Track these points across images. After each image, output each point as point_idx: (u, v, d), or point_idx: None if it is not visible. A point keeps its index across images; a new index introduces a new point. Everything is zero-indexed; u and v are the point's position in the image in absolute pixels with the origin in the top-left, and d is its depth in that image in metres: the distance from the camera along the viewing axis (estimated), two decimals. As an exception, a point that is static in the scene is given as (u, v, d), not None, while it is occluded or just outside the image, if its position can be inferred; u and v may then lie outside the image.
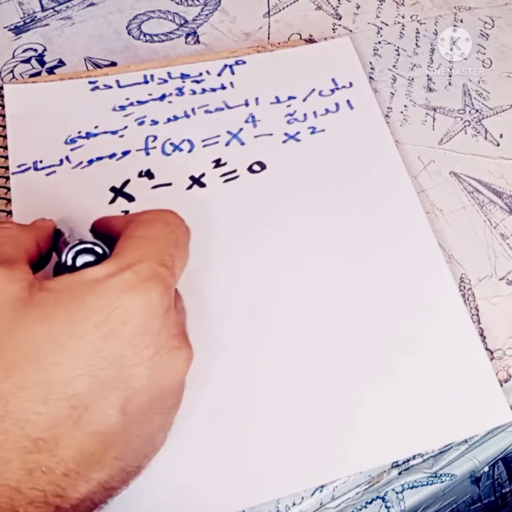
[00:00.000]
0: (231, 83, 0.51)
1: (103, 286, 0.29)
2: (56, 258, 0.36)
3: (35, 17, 0.56)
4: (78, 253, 0.32)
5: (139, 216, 0.35)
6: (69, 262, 0.32)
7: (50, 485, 0.27)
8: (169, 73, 0.51)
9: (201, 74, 0.51)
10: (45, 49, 0.54)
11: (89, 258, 0.32)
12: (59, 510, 0.27)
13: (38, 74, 0.52)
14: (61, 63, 0.53)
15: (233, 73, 0.52)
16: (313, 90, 0.51)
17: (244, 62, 0.52)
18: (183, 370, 0.32)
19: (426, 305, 0.43)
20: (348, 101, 0.51)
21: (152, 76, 0.51)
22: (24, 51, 0.54)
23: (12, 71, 0.52)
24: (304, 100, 0.51)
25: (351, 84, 0.52)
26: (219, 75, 0.51)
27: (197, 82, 0.51)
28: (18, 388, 0.27)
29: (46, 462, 0.27)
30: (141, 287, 0.30)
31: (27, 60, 0.53)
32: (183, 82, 0.51)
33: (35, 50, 0.54)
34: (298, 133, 0.49)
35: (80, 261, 0.32)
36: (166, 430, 0.33)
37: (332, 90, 0.51)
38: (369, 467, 0.39)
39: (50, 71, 0.53)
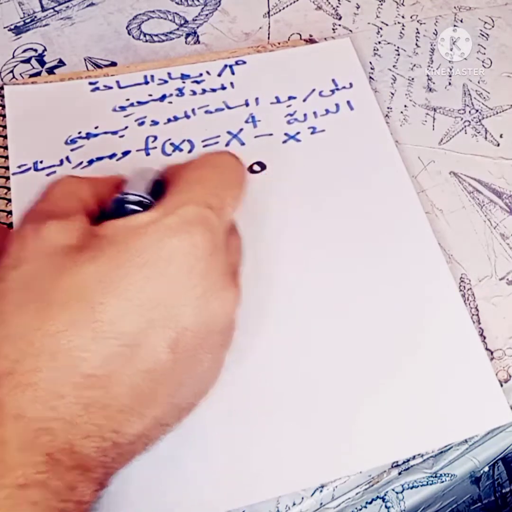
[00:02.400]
0: (231, 83, 0.51)
1: (147, 230, 0.30)
2: None
3: (35, 17, 0.56)
4: (124, 203, 0.33)
5: (191, 162, 0.35)
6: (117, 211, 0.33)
7: (106, 420, 0.28)
8: (169, 74, 0.51)
9: (201, 74, 0.51)
10: (45, 49, 0.54)
11: (137, 208, 0.33)
12: (116, 445, 0.29)
13: (38, 74, 0.52)
14: (61, 63, 0.53)
15: (233, 73, 0.52)
16: (313, 90, 0.51)
17: (244, 62, 0.52)
18: (230, 310, 0.32)
19: (426, 305, 0.43)
20: (348, 102, 0.51)
21: (152, 76, 0.51)
22: (24, 51, 0.54)
23: (12, 71, 0.52)
24: (304, 100, 0.51)
25: (351, 84, 0.52)
26: (219, 75, 0.51)
27: (197, 82, 0.51)
28: (68, 326, 0.28)
29: (101, 398, 0.28)
30: (184, 230, 0.30)
31: (27, 60, 0.53)
32: (183, 82, 0.51)
33: (35, 50, 0.54)
34: (298, 133, 0.49)
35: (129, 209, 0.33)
36: (217, 369, 0.33)
37: (332, 91, 0.51)
38: (369, 467, 0.39)
39: (50, 71, 0.52)
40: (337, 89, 0.51)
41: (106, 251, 0.30)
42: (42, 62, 0.53)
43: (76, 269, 0.29)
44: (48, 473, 0.26)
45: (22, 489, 0.26)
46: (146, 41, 0.55)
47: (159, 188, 0.34)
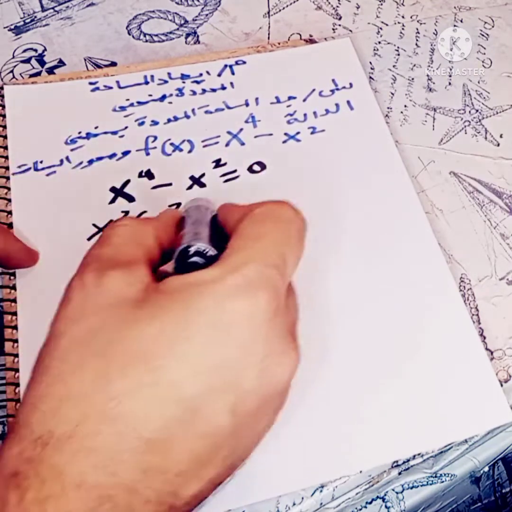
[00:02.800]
0: (231, 83, 0.51)
1: (211, 290, 0.29)
2: None
3: (35, 17, 0.56)
4: (186, 256, 0.32)
5: (252, 212, 0.33)
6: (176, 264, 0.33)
7: (164, 485, 0.27)
8: (169, 74, 0.51)
9: (201, 74, 0.51)
10: (45, 49, 0.54)
11: (199, 261, 0.32)
12: (172, 507, 0.28)
13: (38, 74, 0.52)
14: (61, 63, 0.53)
15: (233, 73, 0.52)
16: (313, 90, 0.51)
17: (244, 62, 0.52)
18: (290, 374, 0.31)
19: (426, 305, 0.43)
20: (348, 102, 0.51)
21: (152, 76, 0.51)
22: (24, 51, 0.54)
23: (12, 71, 0.52)
24: (304, 100, 0.51)
25: (351, 84, 0.52)
26: (219, 75, 0.51)
27: (197, 82, 0.51)
28: (130, 388, 0.27)
29: (159, 463, 0.27)
30: (248, 292, 0.29)
31: (27, 60, 0.53)
32: (183, 82, 0.51)
33: (35, 50, 0.54)
34: (298, 133, 0.49)
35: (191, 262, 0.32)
36: (270, 425, 0.33)
37: (332, 91, 0.51)
38: (369, 467, 0.39)
39: (50, 71, 0.53)
40: (337, 89, 0.51)
41: (167, 309, 0.29)
42: (42, 62, 0.53)
43: (137, 327, 0.28)
44: None
45: None
46: (146, 41, 0.55)
47: (216, 227, 0.35)
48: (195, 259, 0.32)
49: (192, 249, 0.33)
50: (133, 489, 0.27)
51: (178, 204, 0.45)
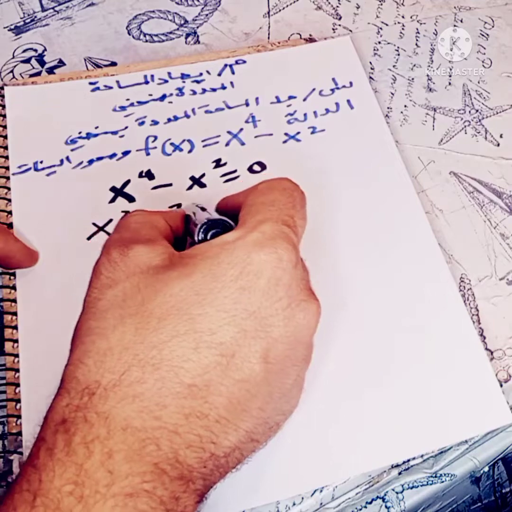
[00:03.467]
0: (231, 83, 0.51)
1: (234, 246, 0.32)
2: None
3: (35, 17, 0.56)
4: (208, 229, 0.36)
5: (256, 187, 0.37)
6: (201, 237, 0.36)
7: (205, 431, 0.29)
8: (169, 73, 0.51)
9: (201, 74, 0.51)
10: (45, 49, 0.54)
11: (218, 230, 0.36)
12: (213, 457, 0.29)
13: (38, 74, 0.52)
14: (61, 63, 0.53)
15: (233, 73, 0.52)
16: (313, 89, 0.51)
17: (244, 62, 0.52)
18: (313, 323, 0.34)
19: (426, 305, 0.43)
20: (348, 101, 0.51)
21: (152, 76, 0.51)
22: (24, 51, 0.54)
23: (12, 71, 0.52)
24: (304, 100, 0.51)
25: (351, 83, 0.52)
26: (219, 75, 0.51)
27: (197, 82, 0.51)
28: (169, 337, 0.29)
29: (200, 407, 0.29)
30: (268, 244, 0.32)
31: (27, 60, 0.53)
32: (183, 82, 0.51)
33: (35, 50, 0.54)
34: (298, 133, 0.49)
35: (210, 235, 0.36)
36: (300, 386, 0.34)
37: (332, 90, 0.51)
38: (368, 470, 0.39)
39: (50, 71, 0.53)
40: (337, 88, 0.51)
41: (199, 266, 0.31)
42: (42, 62, 0.53)
43: (171, 284, 0.31)
44: (154, 483, 0.27)
45: (129, 498, 0.26)
46: (146, 41, 0.55)
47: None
48: (216, 231, 0.36)
49: (213, 222, 0.36)
50: (176, 433, 0.28)
51: (179, 205, 0.45)
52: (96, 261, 0.34)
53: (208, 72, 0.52)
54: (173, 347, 0.29)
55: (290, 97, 0.51)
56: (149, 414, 0.28)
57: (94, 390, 0.28)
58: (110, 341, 0.29)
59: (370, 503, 0.42)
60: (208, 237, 0.36)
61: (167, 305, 0.30)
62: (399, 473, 0.40)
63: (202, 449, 0.29)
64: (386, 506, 0.42)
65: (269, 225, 0.33)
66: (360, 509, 0.41)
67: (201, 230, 0.36)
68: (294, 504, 0.38)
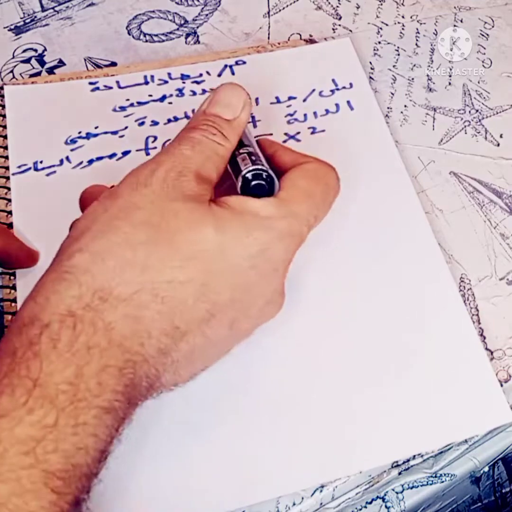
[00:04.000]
0: None
1: (265, 226, 0.33)
2: None
3: (35, 17, 0.56)
4: (252, 179, 0.35)
5: (307, 164, 0.38)
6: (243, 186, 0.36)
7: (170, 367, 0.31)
8: (169, 74, 0.51)
9: (201, 74, 0.51)
10: (45, 49, 0.54)
11: (261, 182, 0.35)
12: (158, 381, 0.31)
13: (38, 74, 0.52)
14: (61, 63, 0.53)
15: (233, 73, 0.52)
16: (313, 90, 0.51)
17: (244, 63, 0.52)
18: (272, 316, 0.37)
19: (426, 305, 0.43)
20: (348, 102, 0.51)
21: (152, 77, 0.51)
22: (24, 51, 0.54)
23: (12, 71, 0.52)
24: (304, 100, 0.51)
25: (351, 84, 0.52)
26: (219, 75, 0.51)
27: (197, 82, 0.51)
28: (184, 280, 0.31)
29: (171, 347, 0.31)
30: (288, 239, 0.34)
31: (27, 60, 0.53)
32: (183, 82, 0.51)
33: (35, 50, 0.54)
34: (298, 133, 0.49)
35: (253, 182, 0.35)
36: (233, 340, 0.36)
37: (332, 91, 0.51)
38: (369, 467, 0.39)
39: (50, 71, 0.53)
40: (337, 89, 0.51)
41: (234, 227, 0.32)
42: (42, 62, 0.53)
43: (205, 229, 0.32)
44: (121, 404, 0.29)
45: (106, 413, 0.28)
46: (146, 41, 0.55)
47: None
48: (258, 182, 0.35)
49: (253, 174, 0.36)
50: (147, 362, 0.30)
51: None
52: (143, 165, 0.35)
53: (208, 72, 0.52)
54: (182, 290, 0.31)
55: (290, 98, 0.51)
56: (138, 339, 0.29)
57: (106, 297, 0.29)
58: (136, 253, 0.30)
59: (370, 503, 0.42)
60: (251, 185, 0.36)
61: (194, 250, 0.31)
62: (399, 473, 0.40)
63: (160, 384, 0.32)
64: (386, 506, 0.42)
65: (297, 222, 0.34)
66: (360, 509, 0.41)
67: (245, 177, 0.36)
68: (294, 504, 0.38)
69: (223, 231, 0.32)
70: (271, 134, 0.49)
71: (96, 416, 0.27)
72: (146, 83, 0.51)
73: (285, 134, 0.49)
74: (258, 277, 0.34)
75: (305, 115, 0.50)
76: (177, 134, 0.36)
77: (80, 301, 0.29)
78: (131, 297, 0.29)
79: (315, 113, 0.50)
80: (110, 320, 0.29)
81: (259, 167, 0.35)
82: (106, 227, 0.31)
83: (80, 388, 0.27)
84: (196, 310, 0.31)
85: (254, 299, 0.34)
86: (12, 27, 0.55)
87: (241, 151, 0.37)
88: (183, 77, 0.51)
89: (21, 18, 0.56)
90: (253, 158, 0.36)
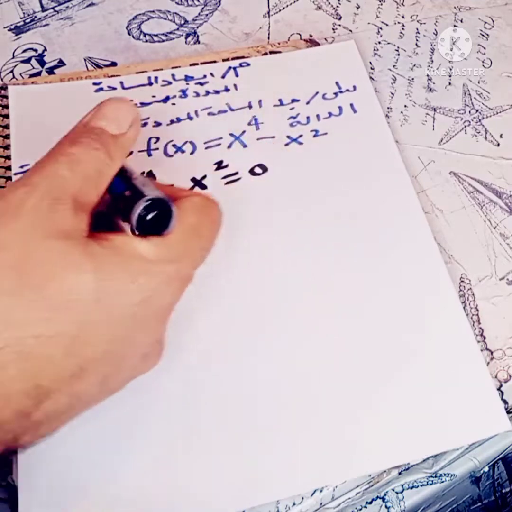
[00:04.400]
0: (235, 85, 0.51)
1: (152, 271, 0.31)
2: None
3: (35, 17, 0.56)
4: (148, 210, 0.32)
5: (193, 197, 0.35)
6: (137, 225, 0.32)
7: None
8: (173, 75, 0.51)
9: (205, 76, 0.51)
10: (45, 49, 0.54)
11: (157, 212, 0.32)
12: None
13: (38, 74, 0.52)
14: (61, 63, 0.53)
15: (237, 75, 0.52)
16: (317, 93, 0.51)
17: (248, 65, 0.52)
18: (148, 369, 0.35)
19: (424, 306, 0.43)
20: (351, 105, 0.51)
21: (156, 78, 0.51)
22: (24, 51, 0.54)
23: (12, 71, 0.52)
24: (308, 103, 0.51)
25: (354, 87, 0.52)
26: (223, 77, 0.51)
27: (201, 84, 0.51)
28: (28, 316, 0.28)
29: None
30: (176, 283, 0.32)
31: (27, 60, 0.53)
32: (187, 84, 0.51)
33: (35, 50, 0.54)
34: (300, 136, 0.49)
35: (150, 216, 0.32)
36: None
37: (336, 94, 0.51)
38: (365, 473, 0.39)
39: (50, 71, 0.52)
40: (341, 92, 0.51)
41: (116, 271, 0.30)
42: (42, 62, 0.53)
43: (77, 271, 0.29)
44: None
45: None
46: (146, 41, 0.55)
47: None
48: (152, 216, 0.32)
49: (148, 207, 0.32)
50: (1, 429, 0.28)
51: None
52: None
53: (212, 74, 0.51)
54: (48, 346, 0.28)
55: (293, 100, 0.51)
56: None
57: None
58: None
59: (370, 503, 0.42)
60: (148, 218, 0.32)
61: (67, 297, 0.28)
62: (399, 473, 0.40)
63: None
64: (386, 506, 0.42)
65: (185, 266, 0.33)
66: (360, 509, 0.41)
67: (139, 213, 0.32)
68: (294, 504, 0.38)
69: (103, 278, 0.29)
70: (274, 137, 0.49)
71: None
72: (150, 84, 0.51)
73: (288, 136, 0.49)
74: (138, 328, 0.31)
75: (308, 117, 0.50)
76: (53, 146, 0.34)
77: None
78: None
79: (318, 115, 0.50)
80: None
81: (160, 196, 0.32)
82: None
83: None
84: (64, 365, 0.28)
85: (131, 351, 0.32)
86: (12, 27, 0.55)
87: (128, 175, 0.34)
88: (187, 78, 0.51)
89: (21, 18, 0.55)
90: (144, 184, 0.33)
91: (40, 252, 0.28)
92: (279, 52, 0.54)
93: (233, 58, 0.53)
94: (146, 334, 0.32)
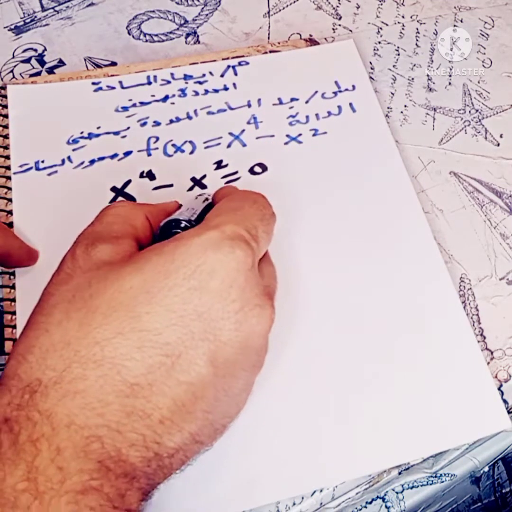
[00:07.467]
0: (234, 84, 0.51)
1: (190, 242, 0.31)
2: None
3: (35, 17, 0.56)
4: (170, 228, 0.35)
5: (231, 193, 0.38)
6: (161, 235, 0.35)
7: (148, 430, 0.29)
8: (172, 74, 0.51)
9: (204, 75, 0.51)
10: (45, 49, 0.54)
11: (178, 230, 0.35)
12: (156, 456, 0.29)
13: (38, 74, 0.52)
14: (61, 63, 0.53)
15: (236, 74, 0.52)
16: (316, 92, 0.51)
17: (247, 63, 0.52)
18: (266, 328, 0.33)
19: (424, 306, 0.43)
20: (350, 104, 0.51)
21: (155, 77, 0.51)
22: (24, 51, 0.54)
23: (12, 71, 0.52)
24: (307, 102, 0.51)
25: (354, 87, 0.52)
26: (222, 76, 0.51)
27: (200, 83, 0.51)
28: (113, 334, 0.29)
29: (142, 406, 0.29)
30: (226, 245, 0.32)
31: (27, 60, 0.53)
32: (186, 83, 0.51)
33: (35, 50, 0.54)
34: (300, 135, 0.49)
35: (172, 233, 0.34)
36: (248, 391, 0.34)
37: (335, 93, 0.51)
38: (365, 473, 0.39)
39: (50, 71, 0.53)
40: (340, 91, 0.51)
41: (152, 262, 0.31)
42: (42, 62, 0.53)
43: (122, 280, 0.30)
44: (101, 480, 0.27)
45: (80, 495, 0.26)
46: (146, 41, 0.55)
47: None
48: (179, 231, 0.35)
49: (176, 222, 0.36)
50: (118, 431, 0.28)
51: (180, 206, 0.45)
52: (64, 254, 0.33)
53: (211, 73, 0.52)
54: (116, 345, 0.29)
55: (293, 99, 0.51)
56: (91, 411, 0.28)
57: (36, 388, 0.28)
58: (53, 337, 0.29)
59: (370, 503, 0.42)
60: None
61: (115, 301, 0.30)
62: (399, 473, 0.40)
63: (146, 448, 0.29)
64: (386, 506, 0.42)
65: (230, 226, 0.33)
66: (360, 509, 0.41)
67: (162, 228, 0.36)
68: (294, 504, 0.38)
69: (142, 271, 0.31)
70: (273, 136, 0.49)
71: (71, 501, 0.26)
72: (149, 83, 0.51)
73: (287, 135, 0.49)
74: (211, 293, 0.31)
75: (307, 116, 0.50)
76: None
77: (11, 405, 0.28)
78: (61, 377, 0.28)
79: (317, 115, 0.50)
80: (45, 407, 0.27)
81: (175, 218, 0.35)
82: (28, 326, 0.30)
83: (39, 481, 0.26)
84: (146, 357, 0.29)
85: (218, 315, 0.31)
86: (12, 27, 0.55)
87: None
88: (186, 77, 0.51)
89: (21, 18, 0.56)
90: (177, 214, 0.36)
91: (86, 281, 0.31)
92: (279, 51, 0.54)
93: (233, 58, 0.53)
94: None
